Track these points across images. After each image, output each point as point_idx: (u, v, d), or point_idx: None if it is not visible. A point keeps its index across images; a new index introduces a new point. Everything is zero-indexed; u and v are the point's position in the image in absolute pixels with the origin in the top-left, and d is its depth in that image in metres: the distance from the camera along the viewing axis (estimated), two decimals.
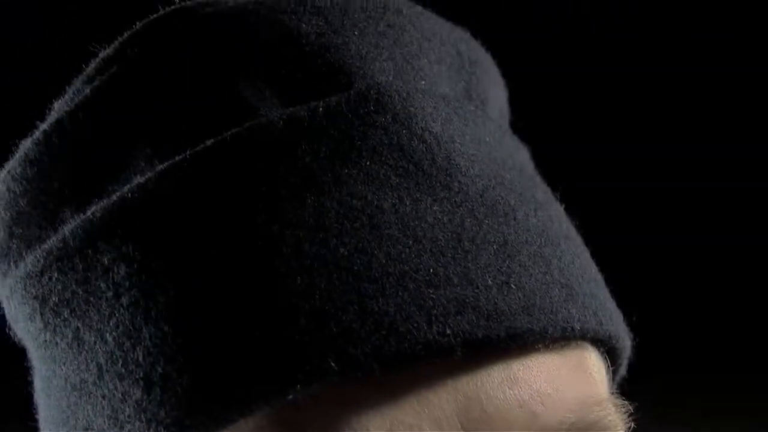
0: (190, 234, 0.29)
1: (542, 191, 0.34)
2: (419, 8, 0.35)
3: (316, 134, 0.30)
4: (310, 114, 0.30)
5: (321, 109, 0.30)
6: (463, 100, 0.34)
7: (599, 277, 0.33)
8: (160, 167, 0.30)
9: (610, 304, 0.32)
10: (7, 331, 0.35)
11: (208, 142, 0.30)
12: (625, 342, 0.33)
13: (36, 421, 0.35)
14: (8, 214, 0.33)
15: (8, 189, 0.33)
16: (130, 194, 0.30)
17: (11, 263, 0.33)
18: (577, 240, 0.33)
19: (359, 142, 0.30)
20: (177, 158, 0.30)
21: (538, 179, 0.34)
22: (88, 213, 0.31)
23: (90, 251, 0.31)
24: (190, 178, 0.30)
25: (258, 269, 0.28)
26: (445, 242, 0.29)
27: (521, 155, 0.35)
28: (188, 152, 0.30)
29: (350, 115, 0.30)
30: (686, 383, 2.67)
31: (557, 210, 0.34)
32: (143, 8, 0.35)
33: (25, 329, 0.33)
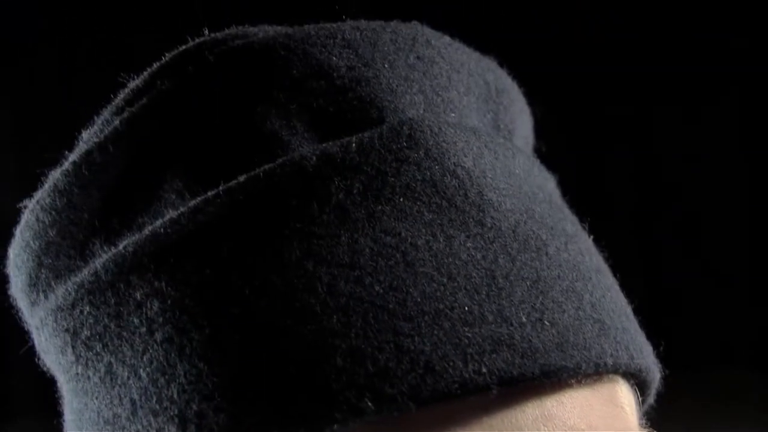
0: (223, 271, 0.29)
1: (571, 223, 0.34)
2: (447, 38, 0.35)
3: (350, 171, 0.30)
4: (342, 150, 0.30)
5: (354, 145, 0.30)
6: (492, 132, 0.34)
7: (629, 309, 0.33)
8: (192, 202, 0.30)
9: (640, 337, 0.33)
10: (37, 361, 0.35)
11: (241, 178, 0.30)
12: (655, 374, 0.33)
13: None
14: (37, 243, 0.33)
15: (37, 219, 0.33)
16: (162, 229, 0.30)
17: (40, 293, 0.33)
18: (606, 272, 0.34)
19: (392, 179, 0.30)
20: (209, 193, 0.30)
21: (566, 210, 0.34)
22: (120, 247, 0.31)
23: (122, 285, 0.31)
24: (223, 214, 0.30)
25: (293, 307, 0.29)
26: (479, 279, 0.29)
27: (549, 185, 0.35)
28: (221, 188, 0.30)
29: (383, 151, 0.31)
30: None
31: (587, 242, 0.34)
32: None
33: (56, 361, 0.33)
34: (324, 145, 0.31)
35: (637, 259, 3.27)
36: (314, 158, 0.30)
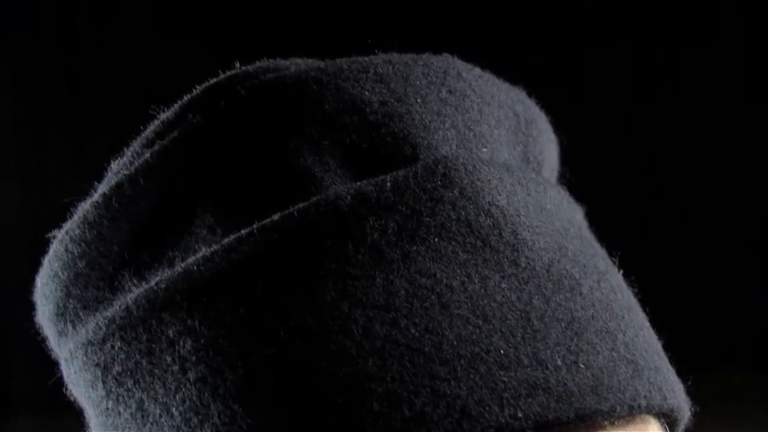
0: (257, 310, 0.29)
1: (602, 258, 0.34)
2: (477, 70, 0.35)
3: (384, 210, 0.30)
4: (377, 189, 0.30)
5: (389, 184, 0.30)
6: (522, 166, 0.34)
7: (659, 347, 0.33)
8: (225, 240, 0.30)
9: (672, 375, 0.33)
10: (65, 392, 0.35)
11: (275, 217, 0.30)
12: (685, 412, 0.33)
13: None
14: (65, 274, 0.33)
15: (66, 250, 0.33)
16: (195, 267, 0.30)
17: (68, 323, 0.33)
18: (637, 309, 0.34)
19: (427, 219, 0.30)
20: (243, 231, 0.30)
21: (596, 244, 0.34)
22: (152, 283, 0.31)
23: (154, 322, 0.31)
24: (258, 254, 0.30)
25: (329, 349, 0.28)
26: (514, 321, 0.29)
27: (578, 217, 0.35)
28: (255, 226, 0.30)
29: (418, 191, 0.30)
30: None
31: (617, 278, 0.34)
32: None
33: (85, 395, 0.33)
34: (358, 183, 0.31)
35: (636, 258, 3.27)
36: (349, 197, 0.30)
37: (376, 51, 0.33)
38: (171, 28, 3.10)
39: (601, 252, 0.34)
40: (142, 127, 0.34)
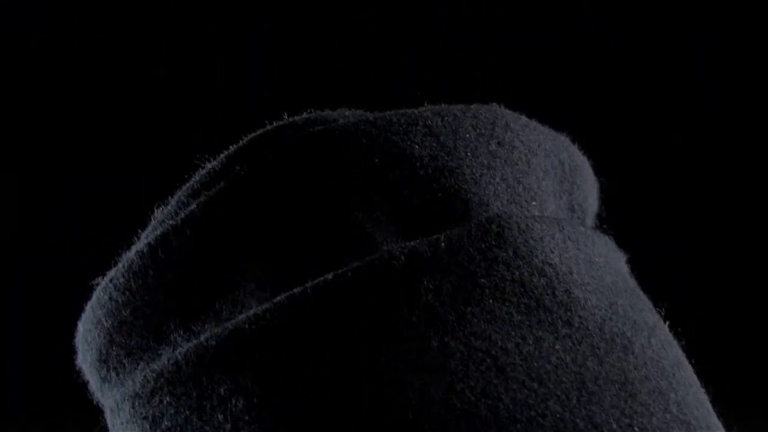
0: (311, 371, 0.29)
1: (650, 311, 0.34)
2: (524, 119, 0.35)
3: (439, 271, 0.30)
4: (432, 249, 0.30)
5: (443, 244, 0.30)
6: (569, 215, 0.34)
7: (708, 403, 0.33)
8: (278, 299, 0.30)
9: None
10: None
11: (329, 276, 0.30)
12: None
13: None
14: (109, 321, 0.33)
15: (110, 298, 0.33)
16: (246, 325, 0.30)
17: (111, 371, 0.33)
18: (685, 364, 0.33)
19: (482, 279, 0.30)
20: (296, 290, 0.30)
21: (642, 295, 0.34)
22: (202, 338, 0.31)
23: (204, 379, 0.30)
24: (311, 314, 0.30)
25: (384, 413, 0.28)
26: (569, 384, 0.29)
27: (623, 266, 0.35)
28: (308, 285, 0.30)
29: (472, 251, 0.30)
30: None
31: (666, 333, 0.34)
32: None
33: None
34: (412, 243, 0.30)
35: (635, 258, 3.27)
36: (403, 257, 0.30)
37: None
38: (171, 28, 3.10)
39: (648, 304, 0.34)
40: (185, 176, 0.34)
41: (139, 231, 0.34)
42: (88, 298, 0.34)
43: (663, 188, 3.75)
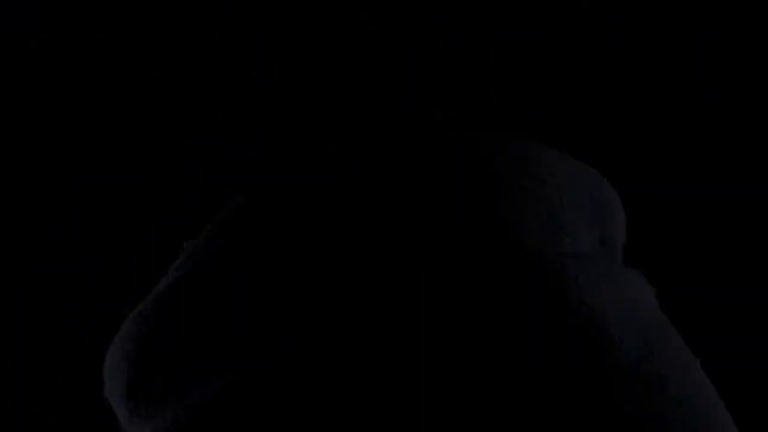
0: None
1: (682, 347, 0.34)
2: (555, 152, 0.35)
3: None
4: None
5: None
6: (600, 250, 0.34)
7: None
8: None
9: None
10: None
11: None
12: None
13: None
14: (137, 354, 0.33)
15: (139, 330, 0.34)
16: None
17: (140, 403, 0.33)
18: (720, 404, 0.33)
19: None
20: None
21: (674, 330, 0.34)
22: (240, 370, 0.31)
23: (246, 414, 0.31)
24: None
25: None
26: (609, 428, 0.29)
27: (654, 301, 0.35)
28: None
29: (506, 292, 0.30)
30: None
31: (700, 372, 0.34)
32: None
33: None
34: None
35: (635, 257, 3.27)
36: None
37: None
38: (171, 28, 3.10)
39: (680, 340, 0.34)
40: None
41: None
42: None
43: (663, 188, 3.75)
